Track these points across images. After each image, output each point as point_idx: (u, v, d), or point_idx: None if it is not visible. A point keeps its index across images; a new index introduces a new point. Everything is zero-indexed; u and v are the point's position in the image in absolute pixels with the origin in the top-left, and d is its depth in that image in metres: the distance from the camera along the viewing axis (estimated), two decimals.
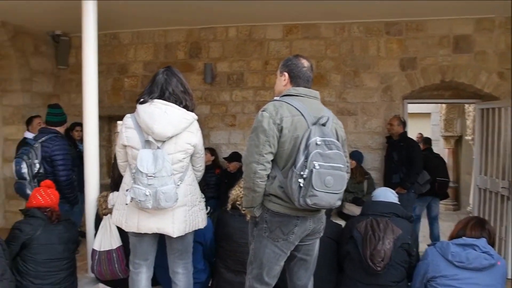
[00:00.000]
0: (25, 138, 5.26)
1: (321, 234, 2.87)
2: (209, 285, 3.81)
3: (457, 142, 10.24)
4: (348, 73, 6.32)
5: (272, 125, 2.56)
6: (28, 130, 5.59)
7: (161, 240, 3.26)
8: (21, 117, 6.54)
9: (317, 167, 2.45)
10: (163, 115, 2.95)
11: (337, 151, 2.54)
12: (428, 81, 6.07)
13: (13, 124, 6.75)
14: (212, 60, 6.72)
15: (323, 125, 2.58)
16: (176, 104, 3.03)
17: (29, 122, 5.69)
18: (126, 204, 3.02)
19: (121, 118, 3.14)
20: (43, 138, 4.41)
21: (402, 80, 6.15)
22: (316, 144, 2.49)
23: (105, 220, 3.72)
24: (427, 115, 12.02)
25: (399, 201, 3.67)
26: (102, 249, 3.67)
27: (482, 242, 2.99)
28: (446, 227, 6.52)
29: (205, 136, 6.51)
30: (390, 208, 3.48)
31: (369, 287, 3.26)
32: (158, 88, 3.06)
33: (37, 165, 4.32)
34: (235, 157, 6.22)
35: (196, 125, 3.15)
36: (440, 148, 10.77)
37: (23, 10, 5.75)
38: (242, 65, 6.66)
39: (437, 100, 6.89)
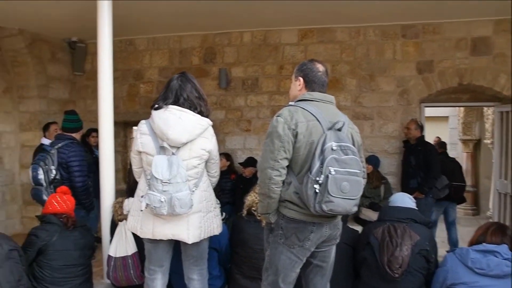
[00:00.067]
0: (42, 144, 5.30)
1: (337, 241, 2.84)
2: None
3: (476, 146, 10.08)
4: (364, 77, 6.27)
5: (287, 130, 2.54)
6: (45, 136, 5.63)
7: (176, 246, 3.25)
8: (38, 123, 6.61)
9: (333, 172, 2.42)
10: (177, 121, 2.95)
11: (353, 156, 2.51)
12: (446, 84, 5.99)
13: (30, 131, 6.83)
14: (227, 65, 6.73)
15: (339, 130, 2.55)
16: (191, 110, 3.03)
17: (46, 128, 5.74)
18: (141, 210, 3.02)
19: (136, 124, 3.15)
20: (60, 145, 4.44)
21: (419, 84, 6.08)
22: (332, 149, 2.46)
23: (121, 226, 3.73)
24: (445, 118, 11.88)
25: (417, 206, 3.62)
26: (117, 255, 3.68)
27: (504, 248, 2.91)
28: (465, 232, 6.40)
29: (221, 141, 6.50)
30: (407, 213, 3.43)
31: None
32: (173, 94, 3.06)
33: (54, 171, 4.35)
34: (251, 162, 6.20)
35: (211, 130, 3.14)
36: (459, 152, 10.62)
37: (40, 17, 5.83)
38: (257, 69, 6.66)
39: (455, 103, 6.81)
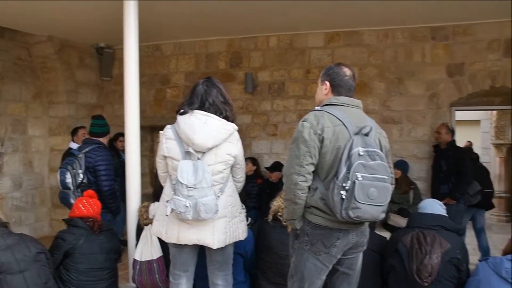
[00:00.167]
0: (70, 149, 5.39)
1: (364, 248, 2.78)
2: None
3: (510, 151, 9.81)
4: (392, 80, 6.18)
5: (313, 135, 2.51)
6: (73, 140, 5.74)
7: (201, 251, 3.25)
8: (67, 128, 6.75)
9: (360, 178, 2.37)
10: (203, 126, 2.94)
11: (380, 161, 2.46)
12: (477, 87, 5.85)
13: (59, 135, 6.98)
14: (253, 70, 6.73)
15: (366, 135, 2.51)
16: (216, 115, 3.02)
17: (74, 132, 5.85)
18: (166, 215, 3.02)
19: (163, 128, 3.16)
20: (87, 149, 4.51)
21: (449, 87, 5.96)
22: (359, 154, 2.41)
23: (146, 230, 3.75)
24: (476, 122, 11.61)
25: (447, 213, 3.54)
26: (143, 259, 3.69)
27: None
28: (498, 239, 6.23)
29: (247, 146, 6.51)
30: (437, 220, 3.35)
31: None
32: (198, 99, 3.06)
33: (81, 175, 4.41)
34: (277, 167, 6.17)
35: (236, 135, 3.12)
36: (491, 156, 10.36)
37: (69, 24, 5.94)
38: (283, 74, 6.63)
39: (487, 106, 6.63)
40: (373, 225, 3.66)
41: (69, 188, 4.39)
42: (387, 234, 4.01)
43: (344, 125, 2.54)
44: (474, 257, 3.83)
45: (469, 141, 8.70)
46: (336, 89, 2.71)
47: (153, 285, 3.70)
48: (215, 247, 3.04)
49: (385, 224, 5.57)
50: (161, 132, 3.16)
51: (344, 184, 2.39)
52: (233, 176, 3.22)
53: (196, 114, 2.99)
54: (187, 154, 2.96)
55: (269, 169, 6.28)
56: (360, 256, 2.80)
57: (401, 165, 5.81)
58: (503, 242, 3.14)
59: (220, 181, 3.06)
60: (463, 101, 6.06)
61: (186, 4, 4.98)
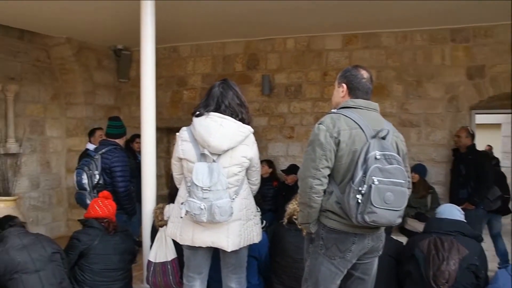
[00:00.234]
0: (86, 150, 5.42)
1: (380, 253, 2.74)
2: None
3: None
4: (411, 83, 6.11)
5: (329, 138, 2.48)
6: (90, 141, 5.78)
7: (215, 254, 3.23)
8: (84, 129, 6.82)
9: (376, 182, 2.34)
10: (218, 128, 2.93)
11: (397, 165, 2.42)
12: (498, 90, 5.76)
13: (76, 136, 7.06)
14: (270, 72, 6.72)
15: (383, 138, 2.47)
16: (232, 117, 3.01)
17: (91, 133, 5.90)
18: (181, 217, 3.01)
19: (179, 130, 3.16)
20: (103, 150, 4.53)
21: (469, 90, 5.87)
22: (375, 158, 2.38)
23: (161, 231, 3.74)
24: (497, 125, 11.44)
25: (466, 218, 3.49)
26: (157, 261, 3.69)
27: None
28: None
29: (263, 148, 6.50)
30: (455, 226, 3.30)
31: None
32: (214, 101, 3.05)
33: (97, 176, 4.44)
34: (293, 169, 6.13)
35: (252, 138, 3.10)
36: None
37: (87, 26, 6.00)
38: (300, 76, 6.61)
39: (508, 110, 6.51)
40: (389, 229, 3.62)
41: (85, 189, 4.42)
42: (403, 239, 3.95)
43: (361, 128, 2.50)
44: (493, 263, 3.75)
45: (489, 145, 8.58)
46: (353, 91, 2.67)
47: (167, 287, 3.70)
48: (229, 250, 3.02)
49: (402, 229, 5.52)
50: (177, 133, 3.16)
51: (360, 188, 2.36)
52: (248, 179, 3.20)
53: (212, 116, 2.98)
54: (203, 156, 2.95)
55: (285, 171, 6.25)
56: (376, 261, 2.76)
57: (419, 169, 5.75)
58: None
59: (235, 184, 3.05)
60: (484, 104, 5.97)
61: (203, 5, 4.98)
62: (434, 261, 3.07)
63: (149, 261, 3.77)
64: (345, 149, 2.48)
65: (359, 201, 2.35)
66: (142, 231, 4.30)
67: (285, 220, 3.58)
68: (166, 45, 7.06)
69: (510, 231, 6.21)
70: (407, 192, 2.50)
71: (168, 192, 3.85)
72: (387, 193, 2.35)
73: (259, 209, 3.32)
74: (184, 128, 3.12)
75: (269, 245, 3.69)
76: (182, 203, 3.00)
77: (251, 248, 3.31)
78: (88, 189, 4.42)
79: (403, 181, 2.43)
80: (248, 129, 3.05)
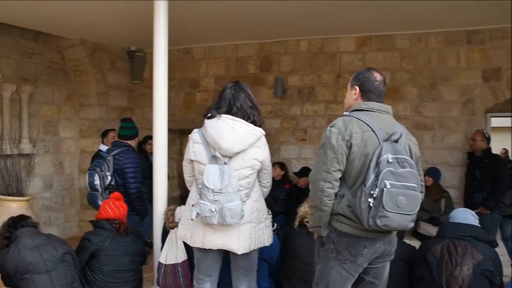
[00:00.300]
0: (99, 151, 5.45)
1: (392, 257, 2.71)
2: None
3: None
4: (425, 85, 6.05)
5: (341, 141, 2.45)
6: (102, 143, 5.81)
7: (225, 256, 3.22)
8: (97, 130, 6.88)
9: (389, 186, 2.31)
10: (230, 131, 2.93)
11: (410, 169, 2.39)
12: None
13: (89, 137, 7.11)
14: (282, 74, 6.70)
15: (396, 141, 2.44)
16: (244, 120, 3.00)
17: (104, 135, 5.93)
18: (192, 219, 3.01)
19: (192, 132, 3.16)
20: (115, 151, 4.55)
21: (484, 92, 5.79)
22: (388, 161, 2.35)
23: (172, 233, 3.75)
24: None
25: (481, 223, 3.44)
26: (168, 263, 3.69)
27: None
28: None
29: (275, 151, 6.48)
30: (469, 230, 3.25)
31: None
32: (226, 103, 3.04)
33: (109, 177, 4.46)
34: (305, 172, 6.09)
35: (263, 140, 3.09)
36: None
37: (101, 28, 6.04)
38: (313, 78, 6.58)
39: None
40: (401, 233, 3.58)
41: (97, 190, 4.44)
42: (416, 243, 3.91)
43: (373, 131, 2.48)
44: (508, 269, 3.69)
45: (505, 149, 8.45)
46: (366, 94, 2.65)
47: None
48: (239, 253, 3.01)
49: (415, 233, 5.47)
50: (189, 135, 3.16)
51: (372, 192, 2.33)
52: (259, 181, 3.19)
53: (223, 119, 2.98)
54: (214, 159, 2.95)
55: (297, 174, 6.22)
56: (387, 266, 2.73)
57: (432, 173, 5.71)
58: None
59: (247, 186, 3.04)
60: (500, 107, 5.87)
61: (215, 5, 4.96)
62: (447, 266, 3.03)
63: (159, 263, 3.77)
64: (357, 152, 2.45)
65: (371, 204, 2.33)
66: (153, 232, 4.31)
67: (296, 223, 3.57)
68: (179, 47, 7.09)
69: None
70: (420, 196, 2.47)
71: (179, 193, 3.85)
72: (399, 197, 2.33)
73: (270, 212, 3.31)
74: (195, 130, 3.12)
75: (280, 248, 3.67)
76: (193, 205, 3.00)
77: (262, 251, 3.29)
78: (100, 190, 4.44)
79: (416, 185, 2.40)
80: (259, 132, 3.03)
